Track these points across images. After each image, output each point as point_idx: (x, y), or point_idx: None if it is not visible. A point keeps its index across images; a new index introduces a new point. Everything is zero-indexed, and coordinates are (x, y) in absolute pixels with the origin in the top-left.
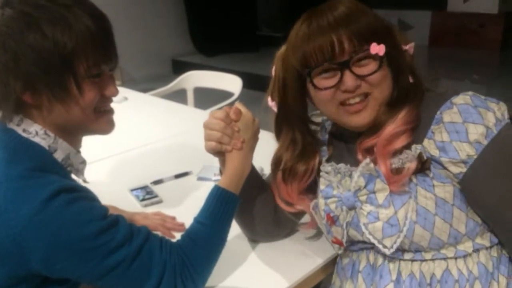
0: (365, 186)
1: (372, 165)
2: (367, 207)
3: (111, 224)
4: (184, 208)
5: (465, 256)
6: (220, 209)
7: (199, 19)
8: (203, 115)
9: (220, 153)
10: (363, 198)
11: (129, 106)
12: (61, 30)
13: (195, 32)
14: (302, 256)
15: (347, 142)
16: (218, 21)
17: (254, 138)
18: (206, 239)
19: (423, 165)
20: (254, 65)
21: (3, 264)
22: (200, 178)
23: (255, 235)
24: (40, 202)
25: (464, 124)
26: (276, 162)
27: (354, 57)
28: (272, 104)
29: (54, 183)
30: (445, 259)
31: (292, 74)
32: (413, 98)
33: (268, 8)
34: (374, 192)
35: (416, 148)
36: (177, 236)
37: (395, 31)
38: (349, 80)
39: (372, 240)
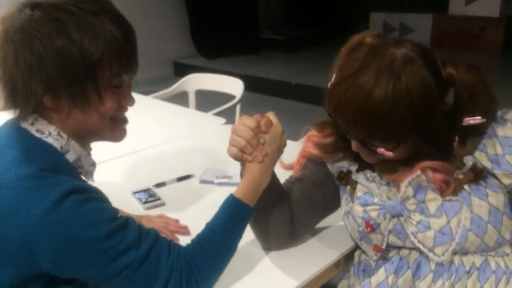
0: (413, 196)
1: (423, 176)
2: (416, 216)
3: (121, 226)
4: (186, 211)
5: (503, 255)
6: (233, 219)
7: (201, 21)
8: (204, 118)
9: (241, 160)
10: (412, 207)
11: (131, 108)
12: (89, 38)
13: (196, 35)
14: (306, 258)
15: None
16: (220, 23)
17: (279, 152)
18: (215, 247)
19: (478, 175)
20: (256, 68)
21: (12, 263)
22: (203, 181)
23: (269, 245)
24: (51, 203)
25: None
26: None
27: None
28: None
29: (65, 184)
30: (485, 252)
31: None
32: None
33: (269, 10)
34: (424, 202)
35: (468, 160)
36: (181, 239)
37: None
38: (355, 146)
39: (422, 249)
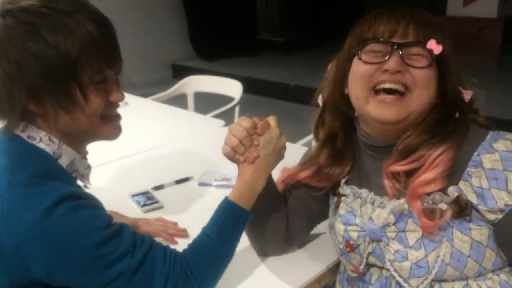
0: (394, 223)
1: (406, 206)
2: (395, 245)
3: (114, 233)
4: (185, 213)
5: (484, 279)
6: (229, 223)
7: (199, 23)
8: (203, 120)
9: (233, 159)
10: (391, 235)
11: (130, 111)
12: (63, 37)
13: (195, 37)
14: (300, 265)
15: (369, 161)
16: (218, 25)
17: (275, 155)
18: (211, 253)
19: (462, 211)
20: (254, 70)
21: (5, 271)
22: (201, 184)
23: (265, 251)
24: (42, 210)
25: (504, 172)
26: (312, 158)
27: (410, 44)
28: (320, 100)
29: (58, 191)
30: (465, 279)
31: (347, 52)
32: (456, 133)
33: (267, 12)
34: (404, 231)
35: (453, 191)
36: (180, 241)
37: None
38: (394, 61)
39: (397, 278)
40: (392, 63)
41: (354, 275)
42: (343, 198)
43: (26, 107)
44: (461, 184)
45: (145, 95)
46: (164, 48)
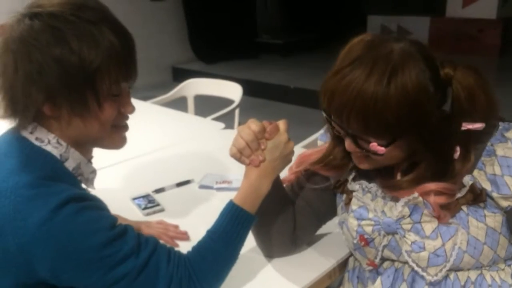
0: (409, 215)
1: (420, 198)
2: (411, 236)
3: (119, 234)
4: (186, 216)
5: (497, 270)
6: (233, 227)
7: (199, 26)
8: (203, 123)
9: (239, 161)
10: (407, 226)
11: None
12: (88, 46)
13: (195, 40)
14: (307, 264)
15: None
16: (218, 28)
17: (281, 160)
18: (215, 256)
19: (477, 198)
20: (254, 72)
21: (10, 272)
22: (202, 186)
23: (271, 253)
24: (48, 212)
25: None
26: (327, 150)
27: (354, 135)
28: None
29: (63, 192)
30: (479, 268)
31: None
32: (455, 173)
33: (267, 15)
34: (420, 222)
35: (468, 180)
36: (181, 244)
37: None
38: (349, 145)
39: (416, 268)
40: (348, 146)
41: (369, 268)
42: (354, 193)
43: (40, 109)
44: (475, 172)
45: (145, 98)
46: (164, 51)
